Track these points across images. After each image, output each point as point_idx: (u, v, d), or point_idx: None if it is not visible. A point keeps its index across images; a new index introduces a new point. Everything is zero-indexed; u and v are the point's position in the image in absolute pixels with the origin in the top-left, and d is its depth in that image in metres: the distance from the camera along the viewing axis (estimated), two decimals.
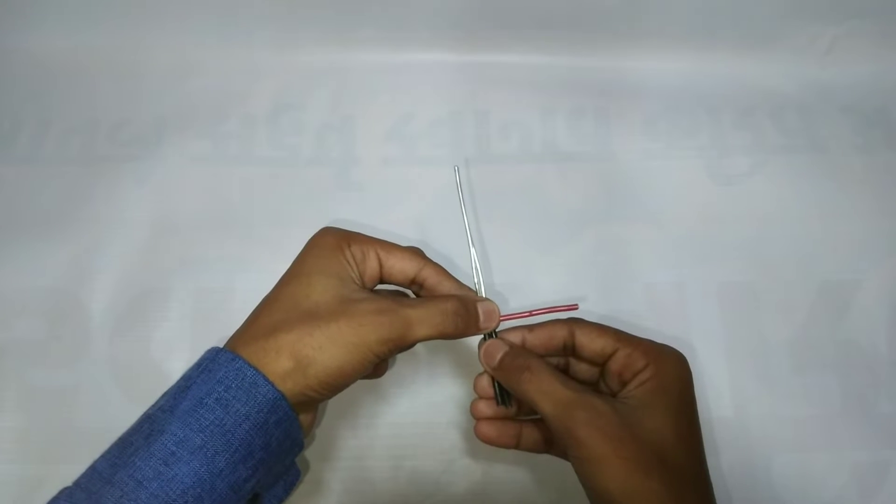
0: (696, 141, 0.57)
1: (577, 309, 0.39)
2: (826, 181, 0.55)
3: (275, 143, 0.57)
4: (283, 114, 0.58)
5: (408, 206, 0.54)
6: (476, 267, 0.40)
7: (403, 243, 0.39)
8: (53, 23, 0.60)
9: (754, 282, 0.52)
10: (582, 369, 0.39)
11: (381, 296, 0.36)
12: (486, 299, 0.39)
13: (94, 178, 0.55)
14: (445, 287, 0.38)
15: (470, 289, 0.39)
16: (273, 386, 0.32)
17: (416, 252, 0.39)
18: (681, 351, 0.36)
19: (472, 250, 0.40)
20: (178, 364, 0.49)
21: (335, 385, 0.34)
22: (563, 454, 0.38)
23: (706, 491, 0.34)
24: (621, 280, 0.52)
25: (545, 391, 0.34)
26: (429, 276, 0.38)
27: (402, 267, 0.38)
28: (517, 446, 0.39)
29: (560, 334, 0.38)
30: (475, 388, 0.40)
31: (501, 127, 0.58)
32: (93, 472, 0.31)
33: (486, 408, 0.39)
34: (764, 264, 0.52)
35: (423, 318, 0.35)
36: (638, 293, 0.51)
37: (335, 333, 0.33)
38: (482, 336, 0.39)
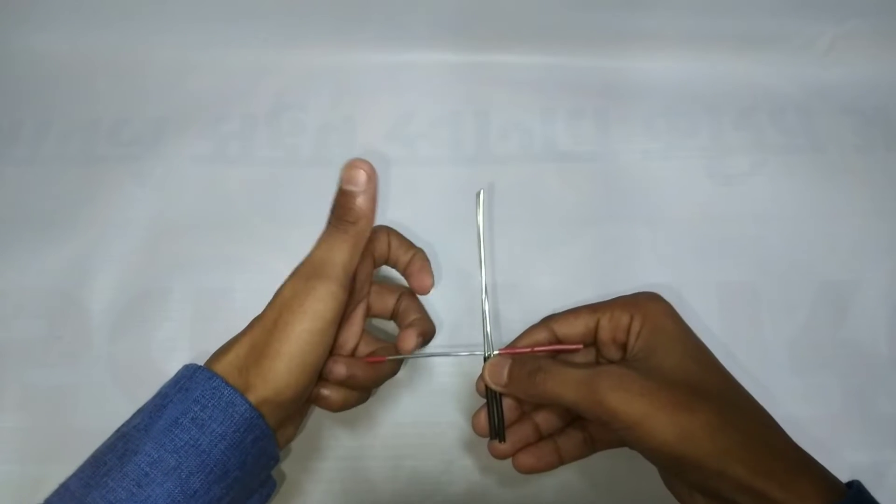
0: (696, 141, 0.57)
1: (581, 348, 0.38)
2: (826, 181, 0.55)
3: (275, 143, 0.57)
4: (283, 114, 0.58)
5: (408, 206, 0.54)
6: (486, 317, 0.39)
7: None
8: (54, 23, 0.60)
9: (754, 282, 0.51)
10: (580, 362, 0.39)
11: None
12: (491, 359, 0.38)
13: (94, 178, 0.55)
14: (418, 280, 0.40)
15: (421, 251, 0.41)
16: (250, 404, 0.32)
17: (395, 286, 0.42)
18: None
19: (485, 301, 0.39)
20: (178, 364, 0.48)
21: (295, 383, 0.33)
22: (610, 443, 0.38)
23: (752, 402, 0.34)
24: (621, 280, 0.52)
25: (563, 381, 0.34)
26: (416, 262, 0.40)
27: (402, 244, 0.40)
28: (562, 461, 0.38)
29: (543, 338, 0.38)
30: (475, 427, 0.39)
31: (501, 127, 0.58)
32: (65, 490, 0.31)
33: (502, 445, 0.38)
34: (764, 264, 0.52)
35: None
36: None
37: (291, 323, 0.33)
38: (481, 370, 0.38)
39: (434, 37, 0.59)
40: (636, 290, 0.51)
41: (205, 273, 0.52)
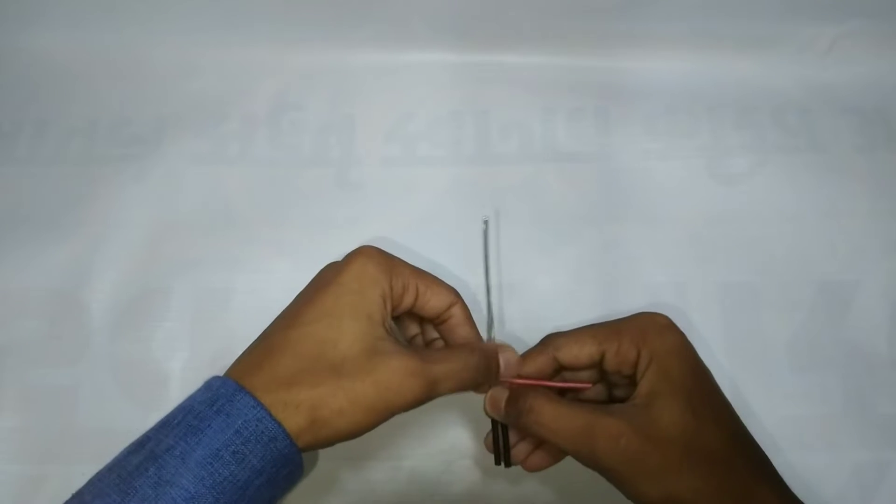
0: (697, 141, 0.57)
1: (589, 387, 0.38)
2: (826, 181, 0.55)
3: (275, 143, 0.57)
4: (283, 114, 0.58)
5: (408, 207, 0.54)
6: (491, 321, 0.39)
7: (405, 244, 0.38)
8: (53, 23, 0.60)
9: (754, 282, 0.51)
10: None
11: (407, 350, 0.34)
12: (507, 347, 0.38)
13: (94, 178, 0.55)
14: (463, 331, 0.38)
15: (481, 337, 0.39)
16: (291, 441, 0.31)
17: (450, 288, 0.38)
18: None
19: (490, 305, 0.39)
20: (178, 364, 0.49)
21: (340, 442, 0.33)
22: None
23: (748, 461, 0.34)
24: (621, 280, 0.52)
25: (555, 428, 0.34)
26: (455, 315, 0.37)
27: (436, 303, 0.37)
28: (567, 454, 0.38)
29: (547, 364, 0.37)
30: (486, 446, 0.39)
31: (501, 127, 0.58)
32: None
33: (518, 454, 0.39)
34: (764, 264, 0.52)
35: (448, 374, 0.34)
36: (638, 293, 0.51)
37: (360, 397, 0.32)
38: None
39: (434, 37, 0.59)
40: (637, 291, 0.51)
41: (205, 273, 0.52)
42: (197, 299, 0.51)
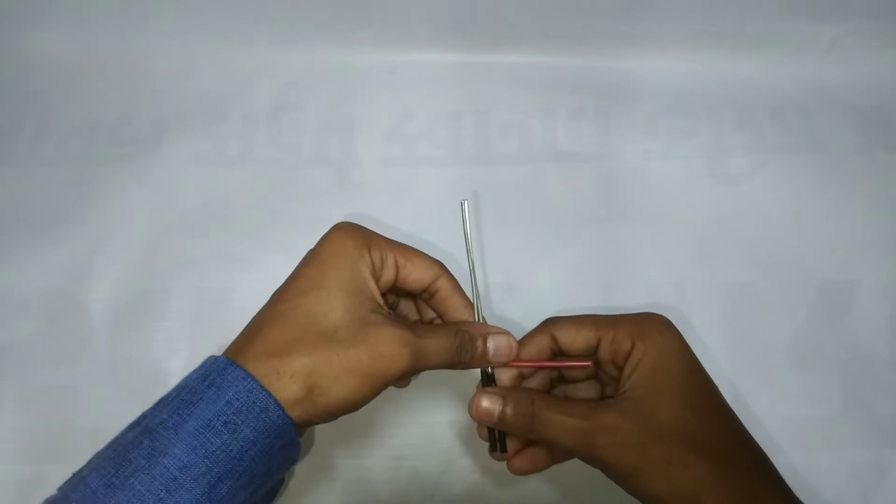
0: (697, 141, 0.57)
1: (589, 366, 0.38)
2: (826, 181, 0.55)
3: (275, 143, 0.57)
4: (283, 114, 0.58)
5: (408, 206, 0.54)
6: (478, 309, 0.38)
7: (406, 242, 0.38)
8: (54, 23, 0.60)
9: (754, 282, 0.51)
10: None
11: (398, 321, 0.34)
12: (501, 332, 0.37)
13: (94, 178, 0.55)
14: (455, 302, 0.37)
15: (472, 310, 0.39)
16: (283, 411, 0.31)
17: (435, 261, 0.38)
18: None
19: (476, 291, 0.39)
20: (178, 364, 0.49)
21: (340, 414, 0.33)
22: None
23: (750, 459, 0.34)
24: (621, 280, 0.52)
25: (559, 429, 0.34)
26: (443, 288, 0.37)
27: (418, 276, 0.37)
28: (555, 461, 0.38)
29: (545, 344, 0.37)
30: (480, 434, 0.39)
31: (501, 127, 0.58)
32: (85, 487, 0.29)
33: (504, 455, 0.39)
34: (764, 264, 0.52)
35: (435, 349, 0.34)
36: (638, 293, 0.51)
37: (354, 363, 0.32)
38: (481, 372, 0.38)
39: (434, 37, 0.59)
40: (637, 291, 0.51)
41: (205, 273, 0.52)
42: (197, 299, 0.51)
